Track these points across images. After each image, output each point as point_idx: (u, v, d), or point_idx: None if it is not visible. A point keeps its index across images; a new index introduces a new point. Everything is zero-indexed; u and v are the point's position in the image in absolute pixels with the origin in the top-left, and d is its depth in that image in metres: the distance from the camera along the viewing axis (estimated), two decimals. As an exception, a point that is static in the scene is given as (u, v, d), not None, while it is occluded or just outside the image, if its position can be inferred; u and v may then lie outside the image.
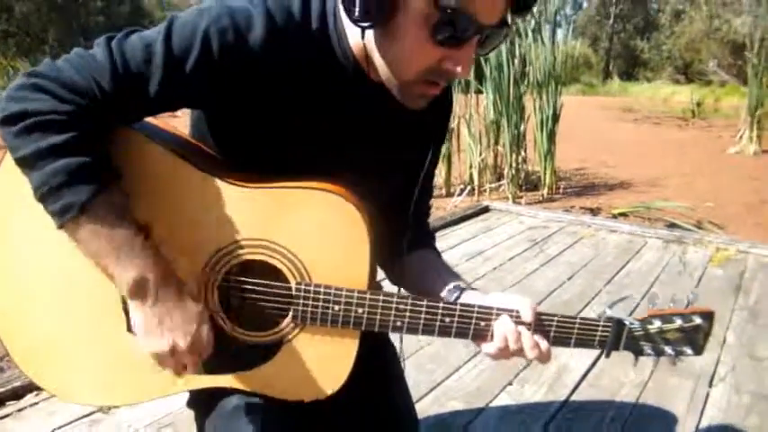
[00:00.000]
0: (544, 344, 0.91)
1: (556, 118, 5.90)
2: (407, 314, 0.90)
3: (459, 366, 2.14)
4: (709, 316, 1.00)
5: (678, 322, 0.99)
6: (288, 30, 0.84)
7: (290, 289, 0.89)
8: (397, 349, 1.18)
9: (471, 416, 1.86)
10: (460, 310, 0.91)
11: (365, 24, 0.78)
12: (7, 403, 1.86)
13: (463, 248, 3.67)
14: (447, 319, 0.91)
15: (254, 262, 0.88)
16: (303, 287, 0.88)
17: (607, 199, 5.85)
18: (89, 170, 0.76)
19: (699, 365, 2.18)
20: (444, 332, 0.92)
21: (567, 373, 2.11)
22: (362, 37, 0.82)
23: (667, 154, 9.12)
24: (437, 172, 5.60)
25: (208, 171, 0.86)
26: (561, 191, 6.16)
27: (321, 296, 0.88)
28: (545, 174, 5.97)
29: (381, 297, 0.89)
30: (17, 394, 1.90)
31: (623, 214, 5.11)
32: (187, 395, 1.04)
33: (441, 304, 0.91)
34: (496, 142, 6.06)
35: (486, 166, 6.06)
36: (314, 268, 0.88)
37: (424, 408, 1.88)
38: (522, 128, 5.91)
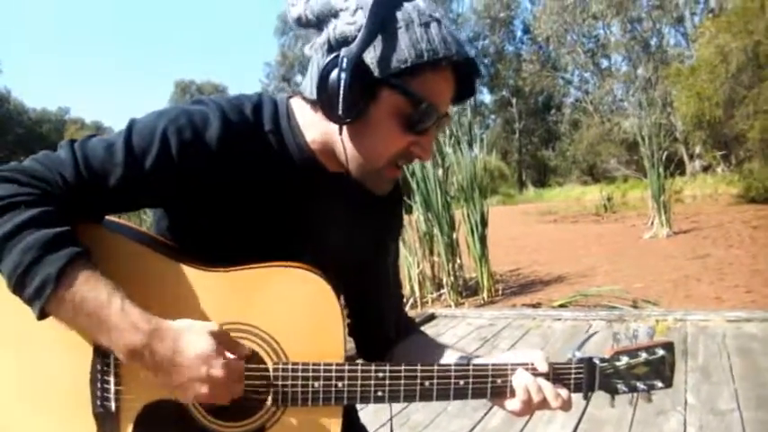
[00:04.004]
0: (564, 392, 0.93)
1: (485, 222, 6.17)
2: (389, 382, 0.90)
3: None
4: (669, 346, 1.03)
5: (643, 356, 1.02)
6: (242, 129, 0.89)
7: (267, 370, 0.87)
8: None
9: None
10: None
11: (346, 121, 0.85)
12: None
13: (417, 356, 3.63)
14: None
15: (229, 347, 0.87)
16: (281, 367, 0.87)
17: (545, 294, 6.02)
18: (61, 239, 0.76)
19: (668, 430, 2.19)
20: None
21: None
22: (340, 132, 0.87)
23: (590, 246, 9.60)
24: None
25: (176, 259, 0.87)
26: (500, 293, 6.30)
27: (300, 374, 0.87)
28: (482, 278, 6.12)
29: (360, 367, 0.89)
30: None
31: (563, 305, 5.25)
32: None
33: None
34: (431, 252, 6.23)
35: (425, 276, 6.16)
36: (290, 346, 0.88)
37: None
38: (454, 236, 6.13)
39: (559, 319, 4.24)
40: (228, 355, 0.82)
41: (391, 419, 1.14)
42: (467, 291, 6.27)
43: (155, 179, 0.84)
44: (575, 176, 33.30)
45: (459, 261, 6.20)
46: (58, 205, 0.78)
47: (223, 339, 0.82)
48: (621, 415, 2.33)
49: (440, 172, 6.09)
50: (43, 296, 0.74)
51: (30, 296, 0.75)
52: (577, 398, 0.97)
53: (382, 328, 1.10)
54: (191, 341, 0.79)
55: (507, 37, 40.07)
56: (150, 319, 0.78)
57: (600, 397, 1.03)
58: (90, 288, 0.76)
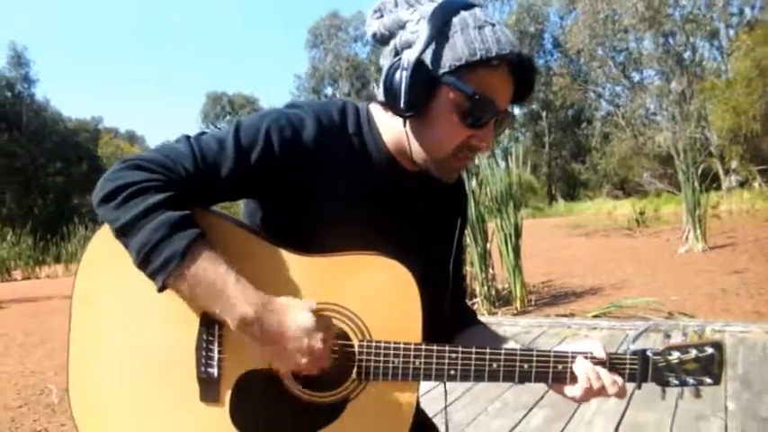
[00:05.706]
0: (620, 380, 1.01)
1: (518, 233, 6.21)
2: (461, 362, 0.99)
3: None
4: (718, 346, 1.10)
5: (693, 352, 1.09)
6: (332, 130, 1.02)
7: (353, 347, 0.97)
8: None
9: None
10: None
11: (408, 114, 0.96)
12: None
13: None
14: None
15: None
16: (366, 344, 0.97)
17: (578, 305, 6.01)
18: (187, 221, 0.88)
19: (709, 435, 2.23)
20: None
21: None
22: (404, 125, 0.98)
23: (624, 260, 9.51)
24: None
25: (274, 244, 0.98)
26: (533, 303, 6.31)
27: (382, 351, 0.97)
28: (515, 288, 6.15)
29: (436, 347, 0.99)
30: None
31: (597, 316, 5.25)
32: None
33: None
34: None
35: (459, 286, 6.20)
36: (374, 326, 0.98)
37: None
38: (487, 247, 6.18)
39: (595, 328, 4.27)
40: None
41: (446, 408, 1.23)
42: (499, 301, 6.30)
43: (259, 171, 0.97)
44: (605, 190, 32.95)
45: (491, 271, 6.25)
46: (180, 191, 0.91)
47: (320, 316, 0.92)
48: (661, 419, 2.37)
49: (473, 183, 6.17)
50: (168, 269, 0.86)
51: (155, 269, 0.87)
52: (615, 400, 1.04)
53: (444, 317, 1.17)
54: (295, 315, 0.90)
55: (537, 50, 39.96)
56: (261, 294, 0.90)
57: (640, 398, 1.09)
58: (210, 264, 0.88)
